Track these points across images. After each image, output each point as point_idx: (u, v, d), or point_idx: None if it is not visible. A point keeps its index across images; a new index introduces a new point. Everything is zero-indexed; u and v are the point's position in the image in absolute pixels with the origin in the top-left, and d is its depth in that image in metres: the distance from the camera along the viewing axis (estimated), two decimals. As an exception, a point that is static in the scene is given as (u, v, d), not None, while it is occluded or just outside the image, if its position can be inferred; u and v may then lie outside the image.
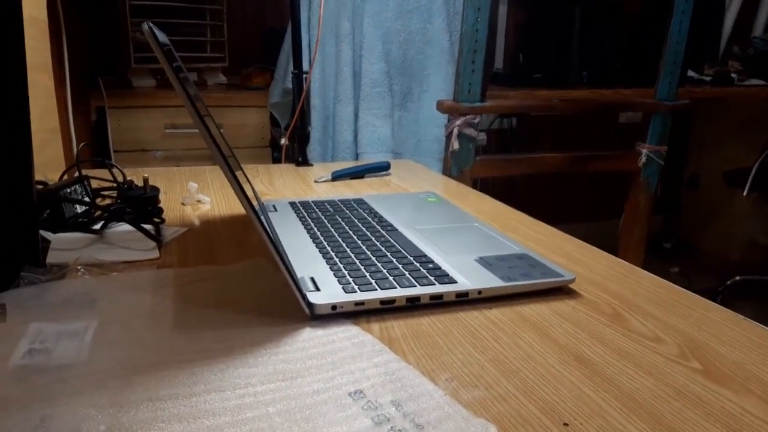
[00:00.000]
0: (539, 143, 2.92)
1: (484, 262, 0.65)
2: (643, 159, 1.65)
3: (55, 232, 0.74)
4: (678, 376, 0.46)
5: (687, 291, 0.62)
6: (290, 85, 1.70)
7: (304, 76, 1.25)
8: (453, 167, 1.44)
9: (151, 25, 0.45)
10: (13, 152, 0.62)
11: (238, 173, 0.66)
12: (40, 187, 0.79)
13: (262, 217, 0.52)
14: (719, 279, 2.57)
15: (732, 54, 2.74)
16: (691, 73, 2.51)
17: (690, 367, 0.47)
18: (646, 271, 0.68)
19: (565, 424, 0.39)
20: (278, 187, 1.05)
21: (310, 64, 1.63)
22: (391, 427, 0.39)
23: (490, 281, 0.60)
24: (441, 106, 1.41)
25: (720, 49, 2.72)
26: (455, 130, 1.39)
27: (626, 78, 2.38)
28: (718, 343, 0.51)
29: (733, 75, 2.49)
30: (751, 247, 2.87)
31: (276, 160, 1.95)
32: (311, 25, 1.67)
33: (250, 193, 0.61)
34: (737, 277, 2.55)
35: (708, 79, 2.47)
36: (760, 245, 2.84)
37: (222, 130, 1.88)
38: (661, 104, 1.62)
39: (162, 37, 0.58)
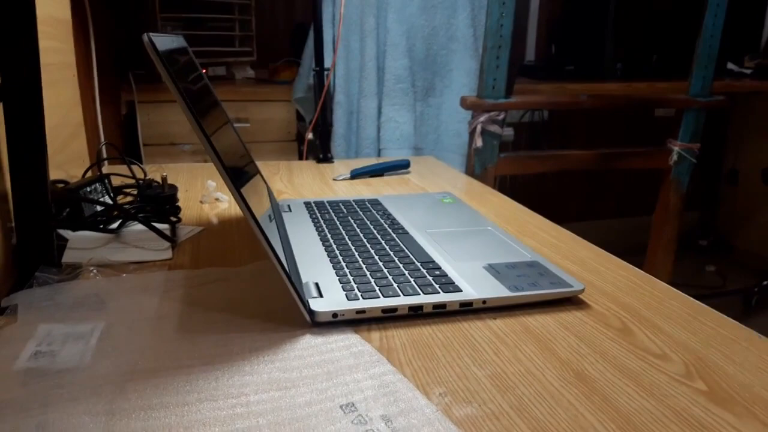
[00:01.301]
0: (571, 137, 2.86)
1: (493, 269, 0.64)
2: (674, 157, 1.61)
3: (74, 230, 0.76)
4: (680, 398, 0.44)
5: (701, 304, 0.60)
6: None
7: (326, 72, 1.25)
8: (476, 164, 1.42)
9: (152, 35, 0.45)
10: (27, 154, 0.63)
11: (254, 179, 0.66)
12: (60, 185, 0.80)
13: (266, 231, 0.52)
14: (756, 278, 2.49)
15: (775, 46, 2.63)
16: (731, 65, 2.43)
17: (694, 387, 0.46)
18: (661, 282, 0.66)
19: (556, 446, 0.39)
20: (297, 185, 1.05)
21: (333, 61, 1.63)
22: (379, 444, 0.39)
23: (496, 290, 0.59)
24: (464, 102, 1.40)
25: (762, 41, 2.62)
26: (478, 127, 1.37)
27: (662, 70, 2.31)
28: (727, 362, 0.49)
29: (776, 68, 2.39)
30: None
31: (302, 154, 1.96)
32: (336, 21, 1.66)
33: (261, 202, 0.61)
34: (775, 278, 2.47)
35: (748, 71, 2.39)
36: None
37: (248, 125, 1.90)
38: (693, 101, 1.57)
39: (173, 43, 0.58)
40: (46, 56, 0.81)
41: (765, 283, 2.45)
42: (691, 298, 0.62)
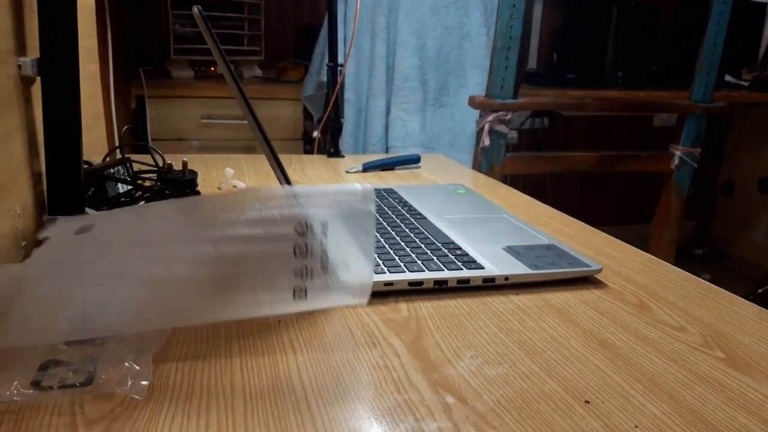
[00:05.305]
0: (571, 144, 2.90)
1: (512, 250, 0.66)
2: (676, 161, 1.64)
3: (98, 209, 0.77)
4: (700, 363, 0.46)
5: (714, 285, 0.63)
6: (325, 78, 1.72)
7: (339, 68, 1.27)
8: (483, 163, 1.45)
9: (200, 8, 0.47)
10: (64, 134, 0.65)
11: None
12: (85, 166, 0.82)
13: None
14: (751, 287, 2.52)
15: (772, 59, 2.68)
16: (728, 77, 2.47)
17: (713, 355, 0.48)
18: (673, 266, 0.69)
19: (587, 402, 0.41)
20: (311, 176, 1.07)
21: (345, 58, 1.65)
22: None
23: (517, 268, 0.61)
24: (473, 102, 1.42)
25: (759, 55, 2.67)
26: (486, 126, 1.40)
27: (661, 80, 2.35)
28: (742, 335, 0.51)
29: (773, 80, 2.44)
30: (786, 256, 2.81)
31: (308, 153, 1.98)
32: (347, 20, 1.69)
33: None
34: (770, 286, 2.50)
35: (746, 83, 2.43)
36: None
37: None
38: (696, 106, 1.61)
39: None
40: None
41: (760, 291, 2.48)
42: (703, 280, 0.64)
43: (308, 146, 1.99)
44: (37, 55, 0.64)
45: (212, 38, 0.48)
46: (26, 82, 0.65)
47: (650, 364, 0.46)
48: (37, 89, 0.68)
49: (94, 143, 1.05)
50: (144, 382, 0.40)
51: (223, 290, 0.41)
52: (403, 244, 0.66)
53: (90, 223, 0.60)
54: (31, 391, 0.39)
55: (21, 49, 0.65)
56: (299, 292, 0.42)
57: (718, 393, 0.42)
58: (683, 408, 0.40)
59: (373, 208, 0.43)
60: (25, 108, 0.65)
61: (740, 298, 0.60)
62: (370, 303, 0.54)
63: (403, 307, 0.54)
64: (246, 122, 2.00)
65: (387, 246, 0.65)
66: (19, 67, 0.63)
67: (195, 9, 0.47)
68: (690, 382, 0.44)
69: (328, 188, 0.43)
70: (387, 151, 1.84)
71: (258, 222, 0.41)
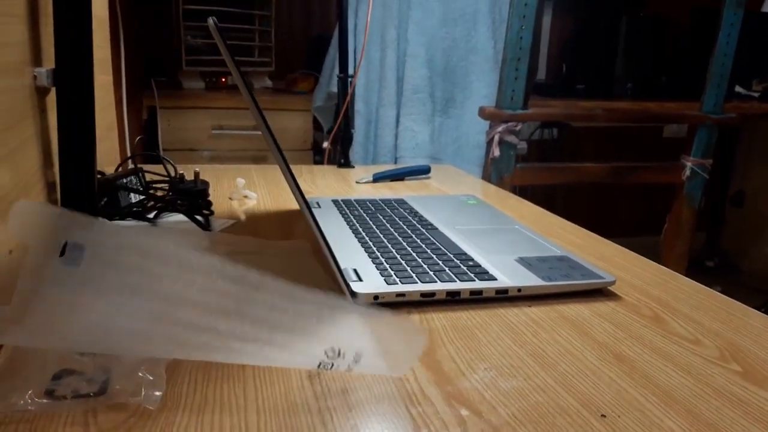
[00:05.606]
0: (580, 155, 2.89)
1: (525, 262, 0.65)
2: (687, 172, 1.63)
3: (111, 219, 0.78)
4: (717, 377, 0.46)
5: (728, 298, 0.62)
6: (335, 89, 1.73)
7: (350, 79, 1.28)
8: (493, 174, 1.45)
9: (215, 20, 0.47)
10: (78, 145, 0.65)
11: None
12: (98, 176, 0.82)
13: (309, 203, 0.54)
14: (763, 299, 2.50)
15: (783, 70, 2.67)
16: (739, 88, 2.46)
17: (730, 369, 0.47)
18: (687, 278, 0.68)
19: (603, 416, 0.40)
20: (321, 186, 1.07)
21: (356, 69, 1.66)
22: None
23: (530, 280, 0.60)
24: (483, 113, 1.43)
25: (770, 65, 2.66)
26: (496, 137, 1.40)
27: (671, 91, 2.34)
28: (758, 348, 0.51)
29: (784, 91, 2.43)
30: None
31: (317, 163, 1.98)
32: (357, 31, 1.70)
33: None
34: (782, 299, 2.48)
35: (756, 95, 2.42)
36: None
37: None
38: (706, 117, 1.60)
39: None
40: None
41: (772, 303, 2.45)
42: (717, 292, 0.64)
43: (318, 157, 1.99)
44: (53, 66, 0.65)
45: (226, 49, 0.48)
46: (41, 93, 0.66)
47: (666, 377, 0.45)
48: (51, 99, 0.68)
49: (107, 153, 1.06)
50: (157, 393, 0.40)
51: (238, 334, 0.40)
52: (414, 254, 0.66)
53: (79, 242, 0.59)
54: (45, 401, 0.39)
55: (36, 59, 0.65)
56: (324, 364, 0.40)
57: (735, 407, 0.42)
58: (700, 422, 0.40)
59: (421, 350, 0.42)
60: (40, 118, 0.66)
61: (755, 310, 0.59)
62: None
63: (416, 319, 0.54)
64: (256, 133, 2.01)
65: (399, 257, 0.65)
66: (35, 77, 0.64)
67: (210, 20, 0.47)
68: (707, 396, 0.43)
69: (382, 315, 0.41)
70: (396, 162, 1.84)
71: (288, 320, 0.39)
